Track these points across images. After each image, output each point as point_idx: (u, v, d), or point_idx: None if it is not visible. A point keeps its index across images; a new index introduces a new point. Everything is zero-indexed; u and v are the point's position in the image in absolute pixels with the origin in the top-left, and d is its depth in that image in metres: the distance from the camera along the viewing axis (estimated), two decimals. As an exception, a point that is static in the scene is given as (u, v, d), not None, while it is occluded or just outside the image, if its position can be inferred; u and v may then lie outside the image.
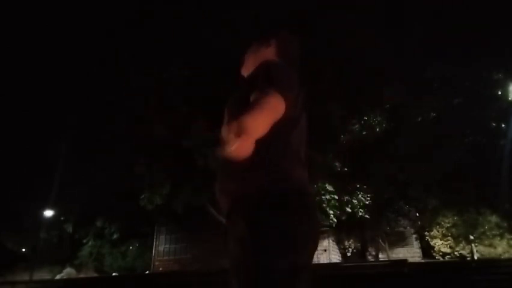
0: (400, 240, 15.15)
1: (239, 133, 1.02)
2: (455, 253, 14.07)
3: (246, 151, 1.05)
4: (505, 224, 13.29)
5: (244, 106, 1.13)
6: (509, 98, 12.01)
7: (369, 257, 15.16)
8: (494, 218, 13.35)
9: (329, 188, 10.24)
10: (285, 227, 1.17)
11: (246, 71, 1.60)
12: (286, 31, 1.69)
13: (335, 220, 10.51)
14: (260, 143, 1.15)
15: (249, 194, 1.23)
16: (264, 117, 1.12)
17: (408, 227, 15.08)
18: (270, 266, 1.12)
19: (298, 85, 1.35)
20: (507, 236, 13.34)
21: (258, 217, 1.18)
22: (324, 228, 11.14)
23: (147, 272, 16.99)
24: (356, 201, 11.04)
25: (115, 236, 18.26)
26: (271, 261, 1.12)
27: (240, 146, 1.02)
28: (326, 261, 11.92)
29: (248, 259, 1.15)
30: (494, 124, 12.79)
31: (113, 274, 17.76)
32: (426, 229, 14.76)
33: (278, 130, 1.21)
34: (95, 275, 17.98)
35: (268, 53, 1.57)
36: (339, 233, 13.82)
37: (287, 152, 1.29)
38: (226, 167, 1.36)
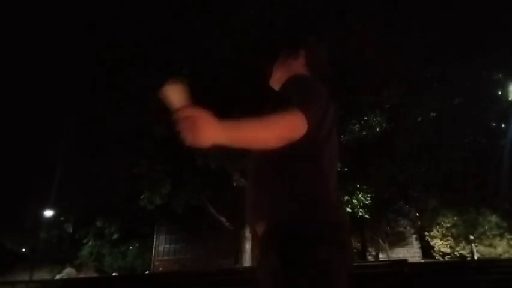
0: (400, 240, 15.15)
1: (190, 127, 0.97)
2: (455, 253, 14.07)
3: (204, 145, 1.00)
4: (505, 224, 13.29)
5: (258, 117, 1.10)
6: (509, 98, 12.01)
7: (369, 257, 15.16)
8: (494, 218, 13.36)
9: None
10: (321, 265, 1.12)
11: (274, 84, 1.55)
12: (315, 39, 1.63)
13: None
14: (291, 167, 1.16)
15: (284, 223, 1.18)
16: (271, 130, 1.08)
17: (408, 227, 15.08)
18: None
19: (328, 99, 1.30)
20: (507, 236, 13.34)
21: (293, 252, 1.13)
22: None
23: (147, 272, 17.01)
24: (356, 201, 11.04)
25: (115, 236, 18.28)
26: None
27: (193, 139, 0.97)
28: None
29: None
30: (494, 124, 12.79)
31: (113, 274, 17.77)
32: (426, 229, 14.77)
33: (307, 150, 1.19)
34: (95, 275, 18.01)
35: (297, 64, 1.51)
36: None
37: (320, 176, 1.23)
38: (257, 186, 1.30)
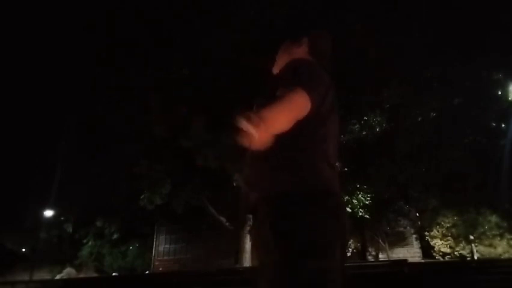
0: (400, 240, 15.14)
1: (257, 125, 1.01)
2: (455, 253, 14.07)
3: (264, 143, 1.05)
4: (505, 224, 13.28)
5: (269, 101, 1.12)
6: (509, 98, 12.00)
7: (369, 257, 15.15)
8: (494, 218, 13.35)
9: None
10: (311, 227, 1.14)
11: (277, 70, 1.58)
12: (319, 29, 1.66)
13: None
14: (286, 141, 1.17)
15: (276, 193, 1.21)
16: (285, 113, 1.11)
17: (408, 227, 15.08)
18: (298, 268, 1.09)
19: (328, 84, 1.33)
20: (507, 236, 13.33)
21: (284, 218, 1.16)
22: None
23: (147, 272, 17.00)
24: (356, 201, 11.04)
25: (115, 236, 18.28)
26: (299, 262, 1.10)
27: (257, 137, 1.02)
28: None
29: (275, 260, 1.13)
30: (494, 124, 12.79)
31: (113, 274, 17.76)
32: (426, 229, 14.76)
33: (304, 128, 1.21)
34: (95, 275, 18.00)
35: (300, 51, 1.54)
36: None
37: (314, 151, 1.27)
38: (253, 162, 1.33)
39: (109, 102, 10.87)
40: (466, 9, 10.49)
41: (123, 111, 10.55)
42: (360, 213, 11.20)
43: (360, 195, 11.12)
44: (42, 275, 16.75)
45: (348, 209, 10.81)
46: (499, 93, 12.07)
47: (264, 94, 1.37)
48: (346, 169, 10.55)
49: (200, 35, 9.30)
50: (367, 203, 11.20)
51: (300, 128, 1.17)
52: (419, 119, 11.38)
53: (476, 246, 13.76)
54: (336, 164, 1.35)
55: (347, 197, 10.86)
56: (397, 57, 9.63)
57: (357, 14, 9.49)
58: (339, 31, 8.85)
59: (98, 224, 18.26)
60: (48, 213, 19.03)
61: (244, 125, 1.00)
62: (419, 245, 15.15)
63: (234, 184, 11.21)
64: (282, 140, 1.19)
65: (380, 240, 14.76)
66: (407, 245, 15.17)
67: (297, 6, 9.04)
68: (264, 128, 1.03)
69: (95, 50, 10.76)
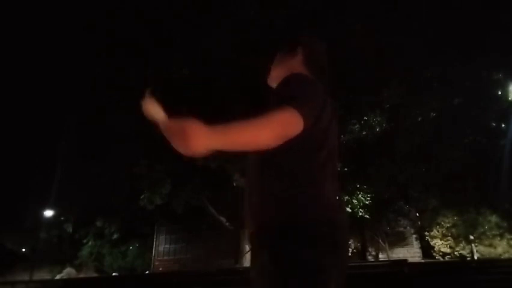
0: (400, 240, 15.14)
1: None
2: (455, 253, 14.07)
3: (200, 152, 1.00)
4: (505, 224, 13.29)
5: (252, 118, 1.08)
6: (509, 98, 12.01)
7: (369, 257, 15.15)
8: (494, 218, 13.35)
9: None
10: (310, 265, 1.10)
11: (271, 82, 1.53)
12: (313, 37, 1.60)
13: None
14: (285, 163, 1.15)
15: (275, 220, 1.17)
16: (262, 129, 1.06)
17: (408, 227, 15.08)
18: None
19: (325, 98, 1.29)
20: (507, 236, 13.34)
21: (283, 250, 1.12)
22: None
23: (147, 272, 17.01)
24: (356, 201, 11.04)
25: (115, 236, 18.28)
26: None
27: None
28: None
29: None
30: (494, 124, 12.79)
31: (113, 274, 17.77)
32: (426, 229, 14.76)
33: (303, 149, 1.17)
34: (95, 275, 18.00)
35: (295, 63, 1.49)
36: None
37: (315, 172, 1.21)
38: (254, 183, 1.29)
39: (109, 102, 10.87)
40: (466, 9, 10.50)
41: (123, 111, 10.55)
42: (360, 213, 11.20)
43: (360, 195, 11.12)
44: (42, 275, 16.75)
45: (348, 209, 10.81)
46: (499, 93, 12.08)
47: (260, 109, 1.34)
48: (346, 169, 10.55)
49: (200, 35, 9.30)
50: (367, 203, 11.19)
51: (296, 149, 1.14)
52: (419, 119, 11.38)
53: (476, 246, 13.76)
54: (337, 187, 1.29)
55: (347, 197, 10.86)
56: (397, 57, 9.63)
57: (357, 14, 9.50)
58: (339, 31, 8.86)
59: (98, 224, 18.26)
60: (48, 213, 19.04)
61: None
62: (419, 245, 15.15)
63: (234, 184, 11.22)
64: (280, 162, 1.18)
65: (380, 240, 14.76)
66: (407, 245, 15.17)
67: (297, 6, 9.04)
68: (220, 139, 1.00)
69: (95, 50, 10.76)
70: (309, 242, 1.12)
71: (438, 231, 14.49)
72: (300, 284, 1.09)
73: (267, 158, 1.21)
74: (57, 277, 10.16)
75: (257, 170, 1.28)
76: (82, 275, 15.81)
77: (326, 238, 1.14)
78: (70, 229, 20.17)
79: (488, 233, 13.45)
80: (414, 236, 15.20)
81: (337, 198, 1.26)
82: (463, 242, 13.97)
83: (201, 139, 0.97)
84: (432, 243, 14.65)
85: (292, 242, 1.12)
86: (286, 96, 1.18)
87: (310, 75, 1.43)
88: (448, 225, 14.15)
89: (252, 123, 1.06)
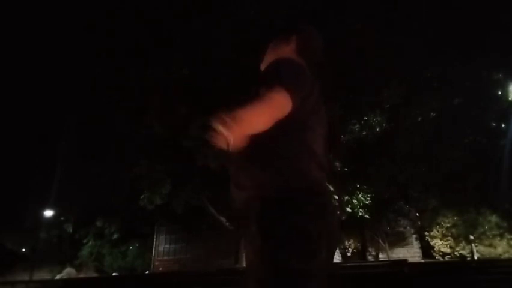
0: (400, 240, 15.15)
1: (231, 127, 1.01)
2: (455, 253, 14.08)
3: (240, 143, 1.05)
4: (505, 224, 13.30)
5: (247, 100, 1.12)
6: (509, 98, 12.01)
7: (369, 257, 15.16)
8: (494, 218, 13.36)
9: (329, 188, 10.23)
10: (297, 227, 1.12)
11: (263, 67, 1.54)
12: (308, 26, 1.61)
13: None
14: (271, 140, 1.16)
15: (262, 193, 1.19)
16: (263, 112, 1.11)
17: (408, 227, 15.08)
18: (283, 267, 1.09)
19: (312, 84, 1.30)
20: (507, 236, 13.34)
21: (269, 218, 1.14)
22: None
23: (147, 272, 17.01)
24: (356, 201, 11.04)
25: (115, 236, 18.28)
26: (284, 262, 1.09)
27: (232, 139, 1.03)
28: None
29: (260, 260, 1.13)
30: (494, 124, 12.79)
31: (113, 274, 17.76)
32: (426, 229, 14.77)
33: (289, 127, 1.19)
34: (95, 275, 18.00)
35: (288, 50, 1.50)
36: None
37: (301, 150, 1.24)
38: (238, 162, 1.32)
39: (109, 102, 10.87)
40: (466, 9, 10.50)
41: (123, 111, 10.55)
42: (360, 213, 11.20)
43: (360, 195, 11.12)
44: (42, 275, 16.75)
45: (348, 209, 10.81)
46: (499, 93, 12.08)
47: (247, 91, 1.34)
48: (346, 169, 10.54)
49: (200, 35, 9.30)
50: (367, 203, 11.19)
51: (283, 126, 1.15)
52: (419, 119, 11.38)
53: (476, 246, 13.77)
54: (326, 164, 1.32)
55: (347, 197, 10.86)
56: (397, 57, 9.62)
57: (357, 14, 9.49)
58: (339, 31, 8.86)
59: (98, 224, 18.26)
60: (48, 213, 19.03)
61: (219, 127, 1.01)
62: (419, 245, 15.16)
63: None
64: (265, 142, 1.19)
65: (380, 240, 14.76)
66: (407, 245, 15.17)
67: (297, 6, 9.04)
68: (239, 129, 1.03)
69: (95, 50, 10.76)
70: (294, 208, 1.15)
71: (438, 231, 14.50)
72: (290, 248, 1.10)
73: (254, 140, 1.22)
74: (57, 277, 10.16)
75: (243, 153, 1.27)
76: (82, 275, 15.81)
77: (310, 203, 1.17)
78: (70, 229, 20.17)
79: (488, 233, 13.46)
80: (414, 236, 15.21)
81: (322, 170, 1.28)
82: (463, 242, 13.98)
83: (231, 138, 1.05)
84: (432, 243, 14.66)
85: (279, 209, 1.14)
86: (276, 76, 1.20)
87: (301, 62, 1.43)
88: (448, 225, 14.16)
89: (253, 107, 1.09)
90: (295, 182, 1.19)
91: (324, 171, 1.29)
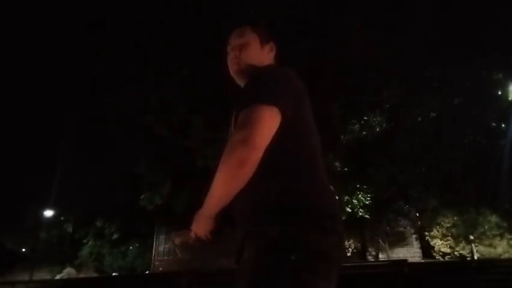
0: (400, 240, 15.14)
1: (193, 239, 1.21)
2: (455, 253, 14.06)
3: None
4: (505, 224, 13.28)
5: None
6: (509, 98, 12.00)
7: (369, 257, 15.15)
8: (494, 218, 13.35)
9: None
10: (312, 248, 1.06)
11: (239, 75, 1.44)
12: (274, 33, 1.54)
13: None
14: (268, 152, 1.12)
15: (263, 207, 1.14)
16: (264, 131, 1.09)
17: (408, 227, 15.08)
18: None
19: (300, 90, 1.26)
20: (507, 236, 13.33)
21: (268, 239, 1.08)
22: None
23: (147, 272, 17.01)
24: (356, 201, 11.04)
25: (115, 236, 18.28)
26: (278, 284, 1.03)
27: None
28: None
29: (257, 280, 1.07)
30: (494, 124, 12.79)
31: (113, 274, 17.77)
32: (426, 229, 14.76)
33: (283, 136, 1.14)
34: (95, 275, 18.00)
35: (268, 56, 1.44)
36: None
37: (299, 157, 1.18)
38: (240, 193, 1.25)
39: (109, 103, 10.88)
40: (466, 9, 10.50)
41: (123, 111, 10.56)
42: (360, 213, 11.20)
43: (360, 195, 11.12)
44: (42, 275, 16.75)
45: (348, 209, 10.81)
46: (499, 93, 12.07)
47: (241, 98, 1.24)
48: (346, 169, 10.54)
49: (200, 35, 9.30)
50: (367, 203, 11.19)
51: (277, 136, 1.12)
52: (419, 119, 11.38)
53: (476, 246, 13.75)
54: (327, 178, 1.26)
55: (347, 197, 10.85)
56: (397, 57, 9.63)
57: (357, 14, 9.50)
58: (339, 31, 8.87)
59: (98, 224, 18.26)
60: (48, 213, 19.03)
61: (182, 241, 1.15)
62: (419, 245, 15.15)
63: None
64: (266, 164, 1.12)
65: (380, 240, 14.75)
66: (407, 245, 15.17)
67: (297, 6, 9.04)
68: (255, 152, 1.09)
69: (95, 50, 10.77)
70: (315, 229, 1.09)
71: (438, 231, 14.48)
72: (313, 272, 1.04)
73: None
74: (57, 277, 10.15)
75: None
76: (82, 275, 15.81)
77: (331, 229, 1.11)
78: (70, 229, 20.18)
79: (488, 233, 13.44)
80: (414, 236, 15.20)
81: (331, 186, 1.24)
82: (463, 242, 13.96)
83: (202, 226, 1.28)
84: (432, 243, 14.65)
85: (279, 228, 1.07)
86: (261, 92, 1.15)
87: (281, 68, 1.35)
88: (448, 225, 14.15)
89: (232, 149, 1.16)
90: (295, 195, 1.14)
91: (323, 172, 1.24)
